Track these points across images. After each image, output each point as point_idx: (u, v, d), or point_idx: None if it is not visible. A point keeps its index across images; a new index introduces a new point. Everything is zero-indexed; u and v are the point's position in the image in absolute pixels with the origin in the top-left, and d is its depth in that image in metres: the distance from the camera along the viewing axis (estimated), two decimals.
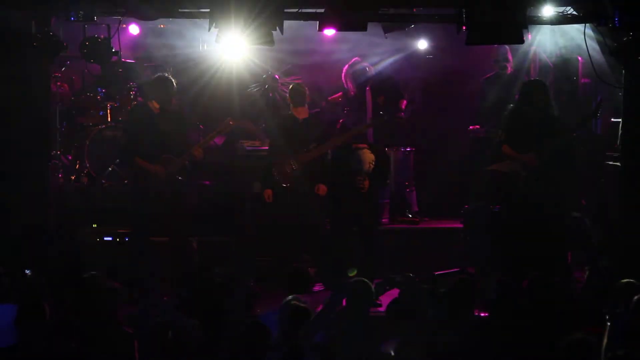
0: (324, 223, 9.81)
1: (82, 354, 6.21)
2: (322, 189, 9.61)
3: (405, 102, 11.60)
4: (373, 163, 9.49)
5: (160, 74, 9.73)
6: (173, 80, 9.46)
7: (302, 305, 6.60)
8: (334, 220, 9.65)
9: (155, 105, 9.31)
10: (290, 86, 9.99)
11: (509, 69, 10.94)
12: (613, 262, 8.63)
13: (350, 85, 11.36)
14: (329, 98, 11.56)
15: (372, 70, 11.39)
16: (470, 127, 11.27)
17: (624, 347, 5.90)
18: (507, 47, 10.82)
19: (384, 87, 11.50)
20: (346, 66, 11.34)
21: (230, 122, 9.68)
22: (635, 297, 6.29)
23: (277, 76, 11.45)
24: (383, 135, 11.15)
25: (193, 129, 10.91)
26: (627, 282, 6.82)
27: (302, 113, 9.80)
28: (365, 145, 9.62)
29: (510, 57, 10.92)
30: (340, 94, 11.52)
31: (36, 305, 6.25)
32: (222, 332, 6.60)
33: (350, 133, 9.81)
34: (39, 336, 6.11)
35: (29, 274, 8.10)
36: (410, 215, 11.45)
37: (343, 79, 11.38)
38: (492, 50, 11.09)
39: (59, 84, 11.33)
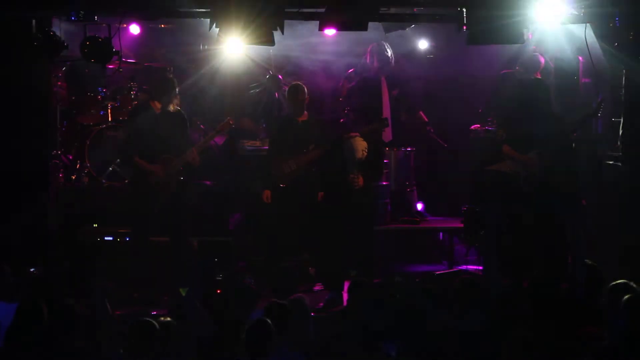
0: (322, 223, 9.80)
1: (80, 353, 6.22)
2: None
3: (422, 113, 11.68)
4: (366, 150, 9.41)
5: (162, 74, 9.72)
6: (175, 80, 9.46)
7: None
8: (332, 220, 9.63)
9: (157, 105, 9.31)
10: (289, 87, 9.97)
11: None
12: (609, 261, 8.64)
13: (375, 64, 11.31)
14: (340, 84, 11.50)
15: (391, 55, 11.39)
16: (471, 127, 11.27)
17: (623, 347, 5.90)
18: (542, 62, 10.72)
19: (400, 80, 11.52)
20: (372, 45, 11.32)
21: (230, 122, 9.68)
22: (625, 297, 6.29)
23: (280, 76, 11.45)
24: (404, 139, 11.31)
25: (194, 129, 10.93)
26: (624, 282, 6.80)
27: (301, 114, 9.79)
28: (357, 134, 9.59)
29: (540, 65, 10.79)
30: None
31: (34, 306, 6.26)
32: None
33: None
34: (37, 337, 6.12)
35: (34, 272, 8.12)
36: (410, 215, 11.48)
37: (368, 56, 11.33)
38: (500, 50, 11.11)
39: (59, 83, 11.33)
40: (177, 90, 9.42)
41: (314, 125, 9.79)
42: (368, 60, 11.27)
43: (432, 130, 11.66)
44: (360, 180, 9.38)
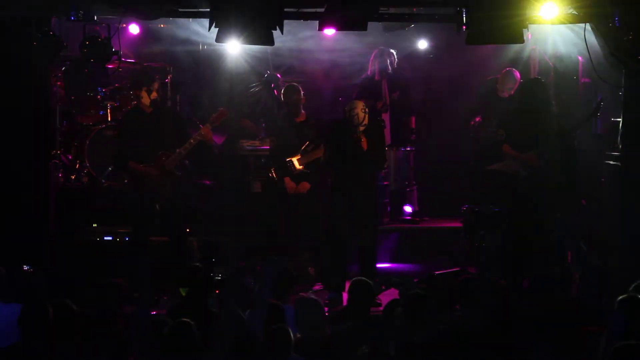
0: (324, 223, 9.80)
1: (83, 352, 6.22)
2: (305, 186, 9.65)
3: (414, 118, 11.74)
4: (366, 111, 9.32)
5: (141, 69, 9.68)
6: (152, 73, 9.46)
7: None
8: (333, 220, 9.62)
9: (146, 104, 9.27)
10: (284, 87, 9.97)
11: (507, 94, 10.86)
12: (609, 261, 8.64)
13: (376, 69, 11.38)
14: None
15: (393, 60, 11.44)
16: (471, 122, 11.23)
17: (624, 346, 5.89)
18: (517, 78, 10.73)
19: (400, 83, 11.54)
20: (375, 50, 11.37)
21: (224, 112, 9.63)
22: (619, 297, 6.29)
23: (279, 75, 11.45)
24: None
25: (193, 128, 10.91)
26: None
27: (298, 114, 9.79)
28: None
29: (514, 89, 10.81)
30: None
31: (39, 305, 6.26)
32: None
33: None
34: (42, 336, 6.11)
35: (29, 269, 8.11)
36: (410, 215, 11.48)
37: (370, 63, 11.41)
38: (495, 53, 11.12)
39: (59, 83, 11.32)
40: (155, 81, 9.41)
41: (312, 126, 9.79)
42: (370, 66, 11.34)
43: (414, 137, 11.71)
44: (364, 141, 9.32)
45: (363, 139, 9.26)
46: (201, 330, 6.09)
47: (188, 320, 6.04)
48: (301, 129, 9.73)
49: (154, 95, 9.31)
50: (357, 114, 9.21)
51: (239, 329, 6.17)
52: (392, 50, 11.38)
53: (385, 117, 11.38)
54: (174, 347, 5.91)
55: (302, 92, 9.85)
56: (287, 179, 9.74)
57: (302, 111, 9.86)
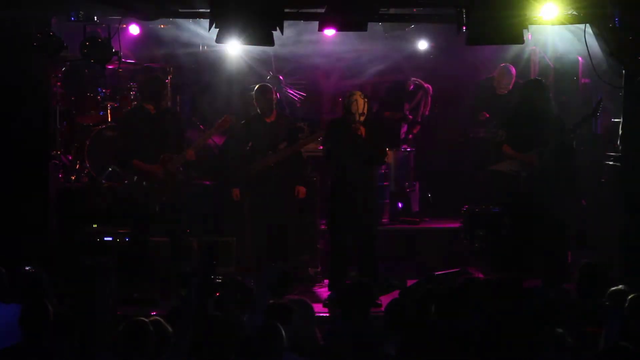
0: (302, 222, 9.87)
1: (84, 352, 6.22)
2: (302, 191, 9.65)
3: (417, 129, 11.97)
4: (366, 102, 9.32)
5: (150, 75, 9.70)
6: (164, 79, 9.46)
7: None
8: (333, 220, 9.62)
9: (151, 106, 9.32)
10: (255, 87, 9.93)
11: (505, 91, 10.94)
12: (609, 261, 8.64)
13: (419, 113, 11.93)
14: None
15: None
16: (481, 117, 11.24)
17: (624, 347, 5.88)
18: (513, 74, 10.82)
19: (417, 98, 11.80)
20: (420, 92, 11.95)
21: (228, 119, 9.68)
22: (630, 297, 6.28)
23: (281, 77, 11.45)
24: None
25: (193, 129, 10.93)
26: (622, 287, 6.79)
27: (270, 114, 9.77)
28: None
29: (512, 84, 10.90)
30: None
31: (39, 304, 6.26)
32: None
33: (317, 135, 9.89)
34: (43, 335, 6.11)
35: (29, 269, 8.11)
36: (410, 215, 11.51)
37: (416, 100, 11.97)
38: (495, 53, 11.17)
39: (59, 83, 11.33)
40: (166, 90, 9.45)
41: (282, 125, 9.80)
42: (414, 104, 11.60)
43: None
44: (362, 130, 9.24)
45: (362, 128, 9.21)
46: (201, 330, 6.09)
47: (143, 319, 6.01)
48: (271, 129, 9.72)
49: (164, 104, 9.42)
50: (356, 100, 9.18)
51: (200, 325, 6.16)
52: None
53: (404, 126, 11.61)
54: (126, 347, 5.88)
55: (274, 92, 9.86)
56: (235, 191, 9.72)
57: (274, 110, 9.84)
